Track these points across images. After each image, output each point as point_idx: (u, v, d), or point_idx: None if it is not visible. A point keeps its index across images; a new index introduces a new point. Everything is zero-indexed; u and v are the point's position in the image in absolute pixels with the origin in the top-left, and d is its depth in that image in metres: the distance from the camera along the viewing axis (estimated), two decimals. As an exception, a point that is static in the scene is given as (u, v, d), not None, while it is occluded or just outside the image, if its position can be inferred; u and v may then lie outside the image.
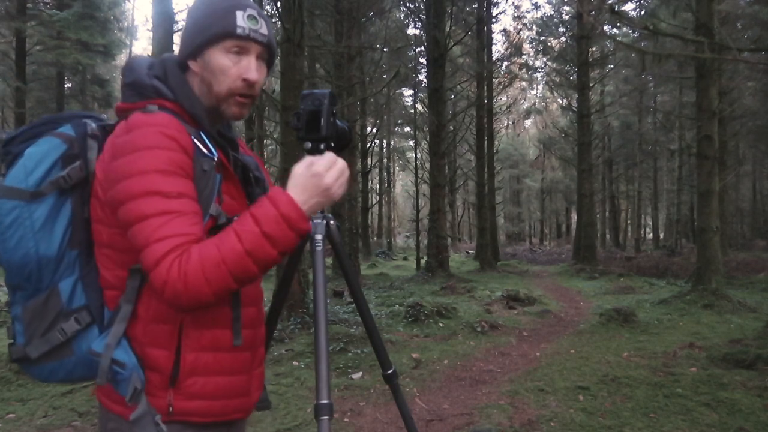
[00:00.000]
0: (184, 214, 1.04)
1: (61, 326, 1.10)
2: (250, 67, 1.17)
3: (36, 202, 1.07)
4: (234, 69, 1.17)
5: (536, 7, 46.87)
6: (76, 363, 1.13)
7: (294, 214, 1.05)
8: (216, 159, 1.16)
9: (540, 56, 26.15)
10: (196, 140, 1.14)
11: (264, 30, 1.19)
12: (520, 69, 26.89)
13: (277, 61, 8.49)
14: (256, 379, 1.28)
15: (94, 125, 1.18)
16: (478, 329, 7.22)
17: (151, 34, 7.88)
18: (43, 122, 1.18)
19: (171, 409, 1.11)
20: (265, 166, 1.42)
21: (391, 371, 1.67)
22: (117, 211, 1.06)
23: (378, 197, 35.28)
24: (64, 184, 1.10)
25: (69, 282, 1.11)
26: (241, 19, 1.16)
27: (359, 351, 5.84)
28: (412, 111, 25.52)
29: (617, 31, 21.80)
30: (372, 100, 19.39)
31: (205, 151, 1.15)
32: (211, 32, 1.16)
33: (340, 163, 1.14)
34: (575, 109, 20.71)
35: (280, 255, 1.05)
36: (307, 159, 1.13)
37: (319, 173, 1.10)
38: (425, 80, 18.65)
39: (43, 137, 1.14)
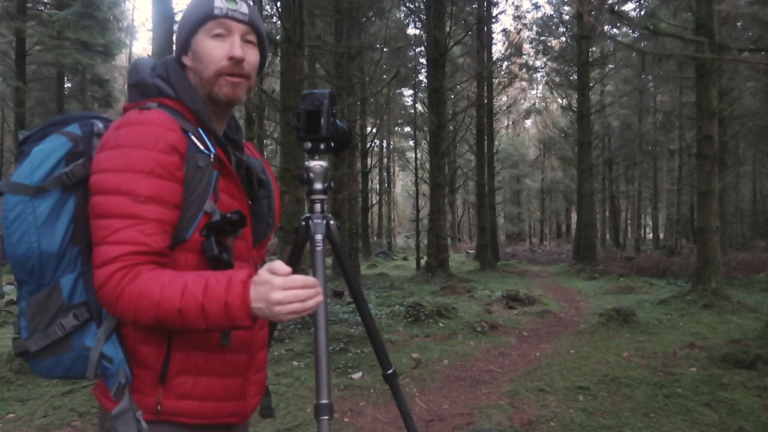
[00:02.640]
0: (146, 222, 1.06)
1: (60, 321, 1.11)
2: (234, 45, 1.19)
3: (39, 197, 1.09)
4: (219, 50, 1.19)
5: (536, 7, 47.03)
6: (75, 359, 1.14)
7: (237, 310, 1.00)
8: (213, 156, 1.17)
9: (540, 56, 26.17)
10: (193, 137, 1.16)
11: (244, 9, 1.21)
12: (520, 69, 26.92)
13: (277, 61, 8.50)
14: (255, 383, 1.27)
15: (101, 125, 1.20)
16: (478, 329, 7.22)
17: (151, 34, 7.88)
18: (53, 122, 1.20)
19: (159, 407, 1.11)
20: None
21: (391, 371, 1.67)
22: (90, 199, 1.09)
23: (378, 197, 35.27)
24: (67, 180, 1.11)
25: (70, 278, 1.12)
26: (219, 1, 1.19)
27: (359, 351, 5.83)
28: (412, 111, 25.52)
29: (617, 31, 21.81)
30: (372, 100, 19.38)
31: (202, 147, 1.16)
32: (192, 20, 1.20)
33: (306, 292, 1.01)
34: (575, 109, 20.71)
35: (206, 330, 1.04)
36: (281, 268, 1.02)
37: (272, 285, 1.00)
38: (425, 80, 18.65)
39: (51, 135, 1.16)
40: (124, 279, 1.02)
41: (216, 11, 1.18)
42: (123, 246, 1.04)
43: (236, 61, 1.19)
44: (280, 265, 1.02)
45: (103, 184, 1.07)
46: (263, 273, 1.01)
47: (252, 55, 1.23)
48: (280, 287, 1.00)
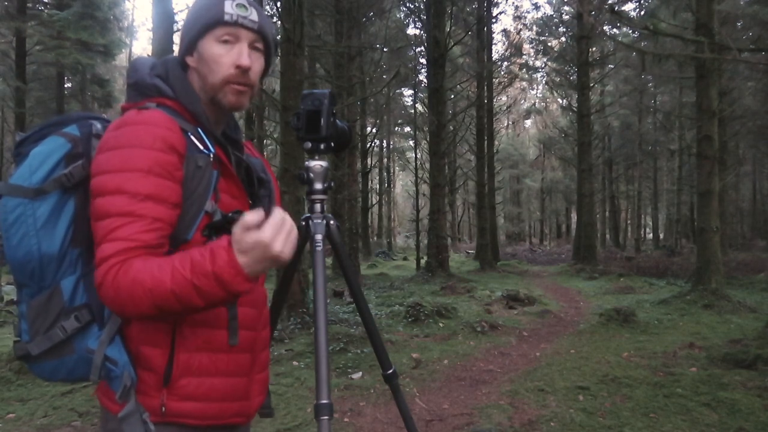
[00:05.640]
0: (143, 219, 1.05)
1: (61, 324, 1.11)
2: (242, 53, 1.18)
3: (39, 199, 1.08)
4: (226, 57, 1.18)
5: (536, 7, 47.07)
6: (77, 361, 1.13)
7: (228, 275, 0.98)
8: (212, 155, 1.17)
9: (540, 56, 26.20)
10: (193, 137, 1.15)
11: (254, 17, 1.20)
12: (520, 69, 26.95)
13: (277, 60, 8.50)
14: (258, 383, 1.27)
15: (99, 126, 1.19)
16: (478, 329, 7.22)
17: (151, 34, 7.88)
18: (51, 123, 1.19)
19: (163, 409, 1.11)
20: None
21: (391, 371, 1.67)
22: (91, 202, 1.09)
23: (378, 197, 35.27)
24: (67, 182, 1.11)
25: (71, 280, 1.11)
26: (230, 7, 1.18)
27: (359, 351, 5.83)
28: (412, 111, 25.53)
29: (617, 31, 21.81)
30: (372, 100, 19.39)
31: (201, 147, 1.16)
32: (201, 23, 1.19)
33: (287, 225, 1.01)
34: (575, 109, 20.70)
35: (207, 306, 1.02)
36: (251, 220, 0.98)
37: (264, 243, 0.98)
38: (425, 80, 18.64)
39: (49, 137, 1.15)
40: (118, 272, 1.01)
41: (226, 17, 1.17)
42: (119, 243, 1.03)
43: (243, 70, 1.18)
44: (251, 218, 0.97)
45: (102, 186, 1.06)
46: (243, 237, 0.98)
47: (258, 63, 1.23)
48: (272, 236, 0.98)
